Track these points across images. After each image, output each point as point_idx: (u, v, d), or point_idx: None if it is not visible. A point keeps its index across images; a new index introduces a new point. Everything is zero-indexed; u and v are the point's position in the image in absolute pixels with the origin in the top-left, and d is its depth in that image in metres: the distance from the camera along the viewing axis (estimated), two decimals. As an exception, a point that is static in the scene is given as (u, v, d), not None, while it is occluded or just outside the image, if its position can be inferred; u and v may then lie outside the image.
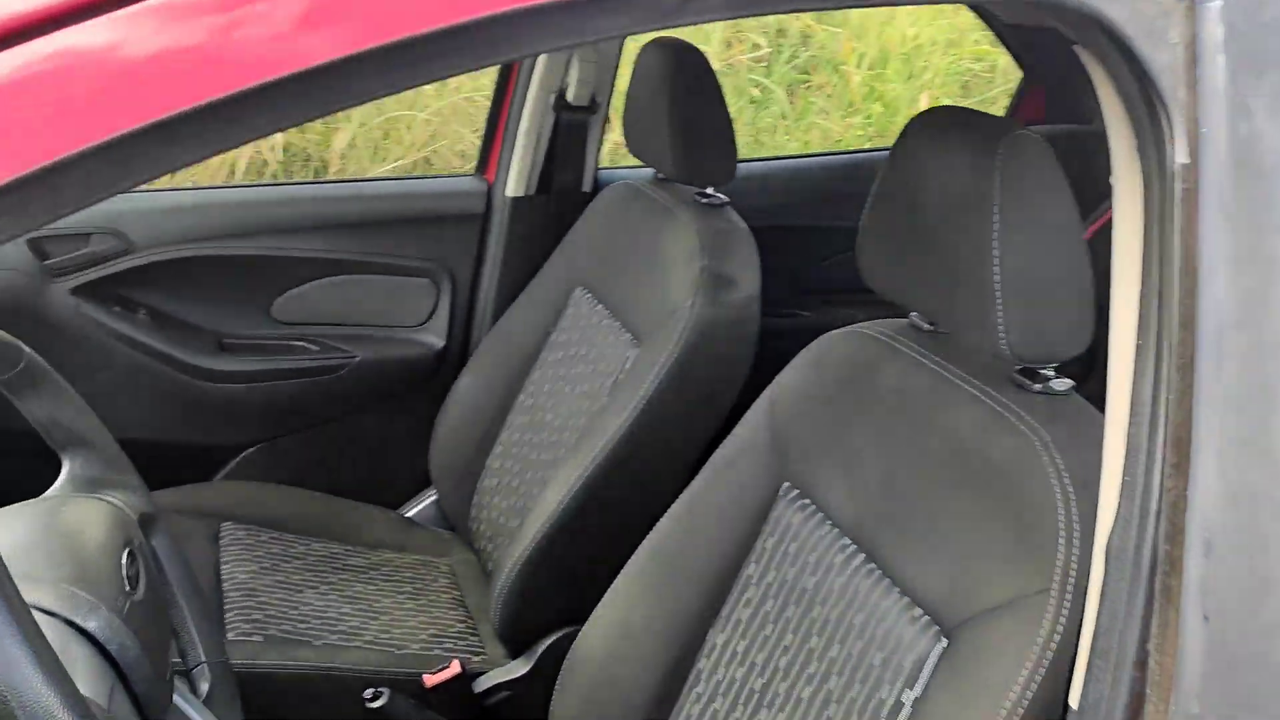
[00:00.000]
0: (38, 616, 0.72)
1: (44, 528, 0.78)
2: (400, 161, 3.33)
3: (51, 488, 0.91)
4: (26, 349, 0.87)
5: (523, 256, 1.96)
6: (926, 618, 0.95)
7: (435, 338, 2.00)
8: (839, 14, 3.72)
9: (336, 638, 1.52)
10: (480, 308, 2.00)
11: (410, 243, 1.95)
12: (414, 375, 1.98)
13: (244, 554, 1.64)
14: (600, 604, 1.29)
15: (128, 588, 0.78)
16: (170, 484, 1.75)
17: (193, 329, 1.86)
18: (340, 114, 3.24)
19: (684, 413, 1.50)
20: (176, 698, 0.86)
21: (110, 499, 0.92)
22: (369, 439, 1.98)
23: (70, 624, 0.73)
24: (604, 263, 1.74)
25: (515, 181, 1.95)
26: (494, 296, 1.98)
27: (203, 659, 0.94)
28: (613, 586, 1.29)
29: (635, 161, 1.82)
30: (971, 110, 1.08)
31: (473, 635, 1.63)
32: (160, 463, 1.90)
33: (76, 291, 1.76)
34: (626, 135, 1.76)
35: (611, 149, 2.68)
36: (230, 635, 1.45)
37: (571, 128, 1.95)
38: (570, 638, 1.48)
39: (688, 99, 1.58)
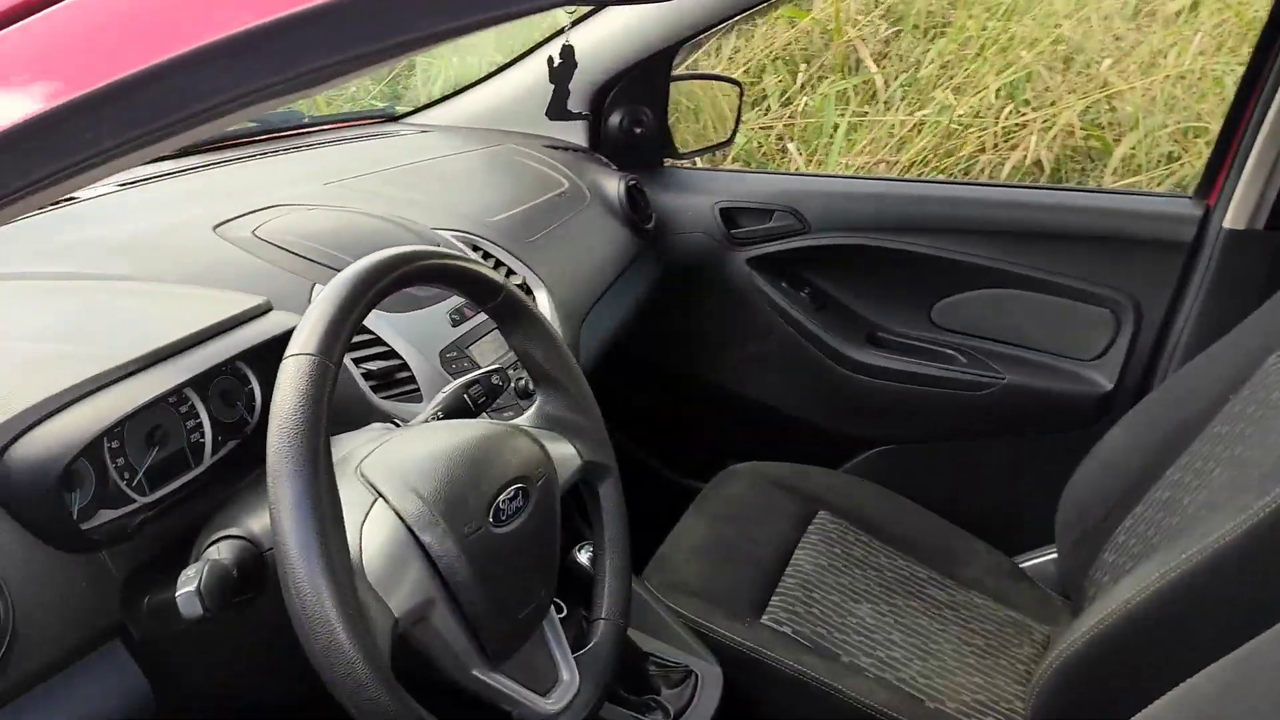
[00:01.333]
0: (387, 518, 0.79)
1: (455, 447, 0.85)
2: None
3: (521, 417, 0.99)
4: (508, 285, 0.95)
5: (1230, 303, 1.60)
6: None
7: (1103, 378, 1.74)
8: None
9: (868, 661, 1.43)
10: (1166, 354, 1.69)
11: (1095, 265, 1.71)
12: (1065, 415, 1.75)
13: (823, 545, 1.63)
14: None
15: (492, 519, 0.82)
16: (797, 460, 1.81)
17: (848, 316, 1.88)
18: (1125, 120, 2.95)
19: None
20: (546, 635, 0.89)
21: (559, 440, 0.97)
22: (1000, 470, 1.81)
23: (411, 532, 0.79)
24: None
25: (1238, 211, 1.59)
26: (1183, 343, 1.65)
27: (601, 615, 0.95)
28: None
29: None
30: None
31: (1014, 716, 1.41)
32: (791, 438, 1.99)
33: (752, 262, 1.89)
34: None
35: None
36: (765, 618, 1.46)
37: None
38: None
39: None
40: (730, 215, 1.89)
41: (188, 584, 0.74)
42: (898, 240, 1.82)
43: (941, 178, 3.08)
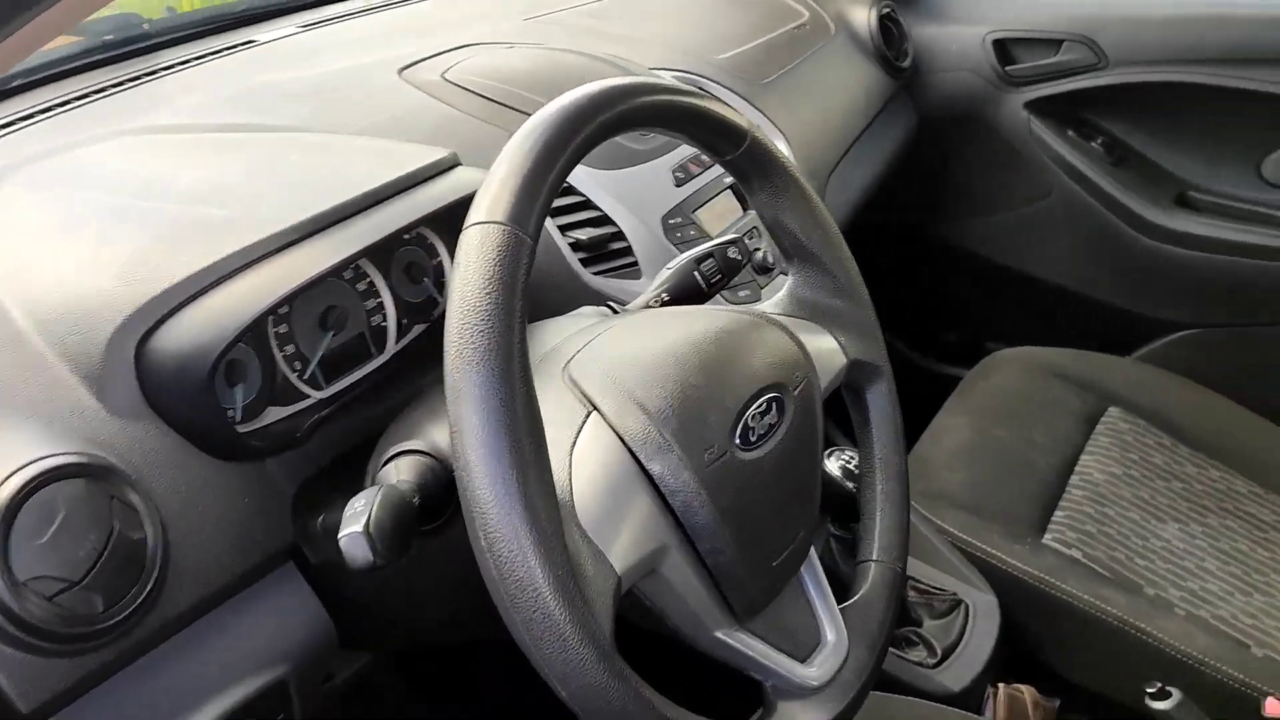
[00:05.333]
0: (604, 440, 0.60)
1: (689, 344, 0.64)
2: None
3: (767, 302, 0.77)
4: (756, 130, 0.71)
5: None
6: None
7: None
8: None
9: (1177, 595, 1.17)
10: None
11: None
12: None
13: (1116, 450, 1.35)
14: None
15: (739, 441, 0.61)
16: (1078, 346, 1.52)
17: (1152, 172, 1.54)
18: None
19: None
20: (806, 584, 0.69)
21: (818, 332, 0.74)
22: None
23: (635, 460, 0.59)
24: None
25: None
26: None
27: (873, 557, 0.73)
28: None
29: None
30: None
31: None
32: (1073, 318, 1.68)
33: (1032, 105, 1.56)
34: None
35: None
36: (1047, 538, 1.21)
37: None
38: None
39: None
40: (1005, 48, 1.57)
41: (354, 521, 0.58)
42: (1221, 74, 1.45)
43: None
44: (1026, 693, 1.08)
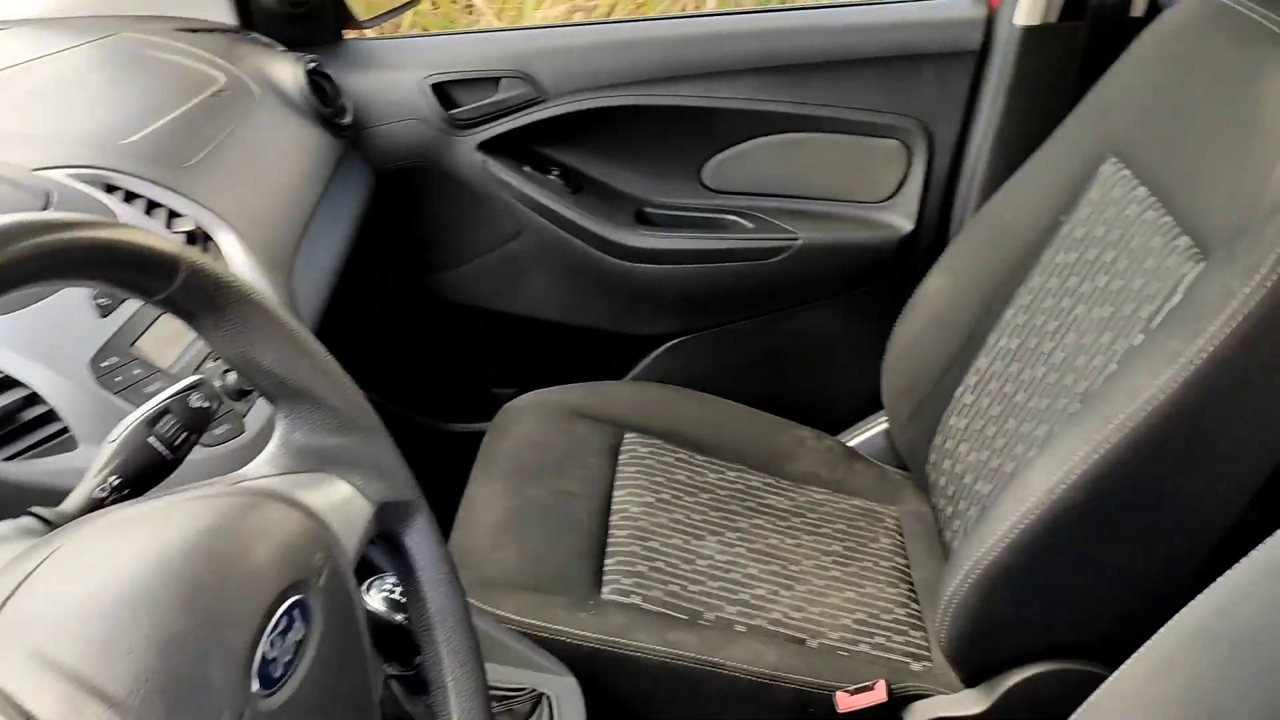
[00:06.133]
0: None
1: (158, 568, 0.47)
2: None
3: (257, 462, 0.61)
4: (189, 256, 0.55)
5: (1033, 112, 1.42)
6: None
7: (903, 219, 1.54)
8: None
9: (734, 611, 1.18)
10: (965, 180, 1.50)
11: (877, 91, 1.48)
12: (870, 266, 1.54)
13: (643, 477, 1.35)
14: (1131, 667, 0.80)
15: (257, 686, 0.46)
16: (579, 376, 1.50)
17: (610, 194, 1.57)
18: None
19: (1276, 379, 0.93)
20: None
21: (328, 483, 0.60)
22: (809, 343, 1.59)
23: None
24: (1153, 124, 1.16)
25: (1029, 3, 1.39)
26: (985, 166, 1.47)
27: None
28: (1159, 638, 0.79)
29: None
30: None
31: (914, 630, 1.22)
32: (569, 350, 1.68)
33: (484, 147, 1.52)
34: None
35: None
36: (605, 591, 1.17)
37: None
38: (1054, 678, 1.04)
39: None
40: (446, 91, 1.51)
41: None
42: (652, 94, 1.50)
43: (702, 11, 2.78)
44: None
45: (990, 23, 1.45)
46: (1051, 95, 1.40)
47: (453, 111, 1.50)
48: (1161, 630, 0.77)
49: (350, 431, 0.63)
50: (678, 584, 1.20)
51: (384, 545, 0.65)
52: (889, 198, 1.55)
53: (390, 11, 1.62)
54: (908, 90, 1.47)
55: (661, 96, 1.49)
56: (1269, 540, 0.74)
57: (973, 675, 1.10)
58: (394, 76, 1.51)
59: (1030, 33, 1.40)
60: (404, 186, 1.52)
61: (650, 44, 1.51)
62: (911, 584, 1.29)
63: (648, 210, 1.57)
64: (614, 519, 1.28)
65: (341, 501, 0.61)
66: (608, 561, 1.21)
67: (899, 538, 1.37)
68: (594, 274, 1.55)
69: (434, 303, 1.63)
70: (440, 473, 1.20)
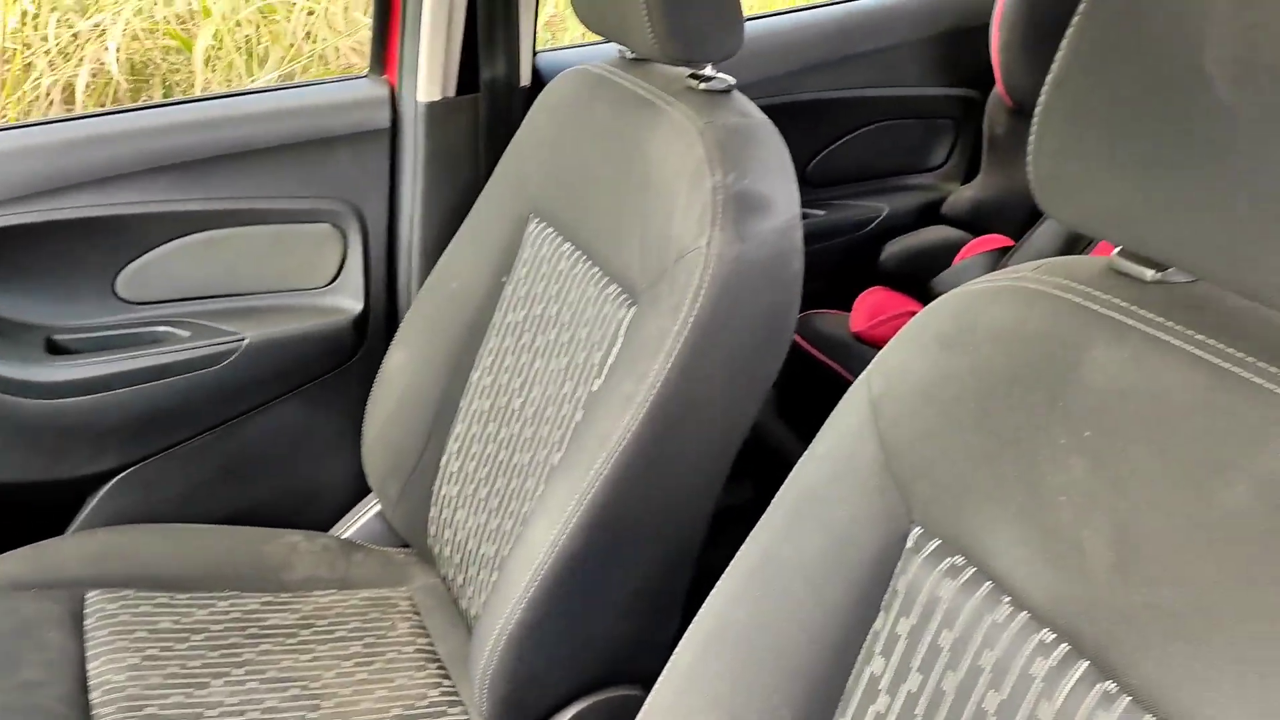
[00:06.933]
0: None
1: None
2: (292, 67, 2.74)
3: None
4: None
5: (452, 182, 1.48)
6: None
7: (350, 300, 1.51)
8: None
9: (259, 757, 1.08)
10: (404, 254, 1.52)
11: (294, 178, 1.45)
12: (327, 353, 1.50)
13: (118, 640, 1.18)
14: (661, 687, 0.85)
15: None
16: (12, 542, 1.28)
17: (10, 327, 1.36)
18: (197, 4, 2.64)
19: (717, 395, 1.06)
20: None
21: None
22: (278, 443, 1.51)
23: None
24: (563, 185, 1.27)
25: (427, 81, 1.45)
26: (419, 239, 1.50)
27: None
28: (680, 653, 0.85)
29: (592, 37, 1.33)
30: None
31: (452, 707, 1.20)
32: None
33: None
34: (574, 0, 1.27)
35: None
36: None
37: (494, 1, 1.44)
38: (597, 710, 1.11)
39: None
40: None
41: None
42: (49, 207, 1.33)
43: (93, 110, 2.44)
44: None
45: (395, 100, 1.48)
46: (465, 165, 1.47)
47: None
48: (680, 644, 0.84)
49: None
50: (190, 748, 1.07)
51: None
52: (332, 280, 1.52)
53: None
54: (327, 173, 1.45)
55: (51, 211, 1.32)
56: (747, 545, 0.84)
57: (515, 729, 1.12)
58: None
59: (433, 108, 1.46)
60: None
61: (37, 151, 1.33)
62: (440, 662, 1.28)
63: (59, 338, 1.39)
64: (95, 697, 1.11)
65: None
66: (99, 751, 1.05)
67: (416, 617, 1.35)
68: (9, 421, 1.33)
69: None
70: None
